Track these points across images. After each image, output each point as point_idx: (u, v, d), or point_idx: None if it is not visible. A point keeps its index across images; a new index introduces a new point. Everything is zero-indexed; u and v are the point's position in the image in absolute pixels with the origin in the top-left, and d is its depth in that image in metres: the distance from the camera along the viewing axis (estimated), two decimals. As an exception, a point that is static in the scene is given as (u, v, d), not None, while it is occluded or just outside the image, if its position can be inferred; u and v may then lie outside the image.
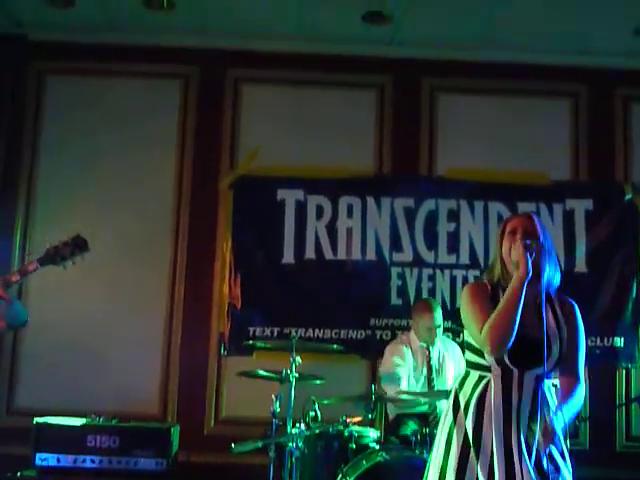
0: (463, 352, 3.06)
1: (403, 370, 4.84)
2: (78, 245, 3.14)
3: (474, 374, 2.82)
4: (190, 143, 6.01)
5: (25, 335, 5.75)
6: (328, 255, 5.87)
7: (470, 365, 2.87)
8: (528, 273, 2.70)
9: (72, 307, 5.71)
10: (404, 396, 4.63)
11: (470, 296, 2.86)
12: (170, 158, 5.98)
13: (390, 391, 4.74)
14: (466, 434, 2.73)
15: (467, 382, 2.83)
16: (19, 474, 4.74)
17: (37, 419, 4.85)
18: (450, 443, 2.76)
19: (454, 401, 2.84)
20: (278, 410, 4.29)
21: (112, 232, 5.74)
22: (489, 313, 2.73)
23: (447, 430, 2.80)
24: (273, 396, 4.31)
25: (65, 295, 5.70)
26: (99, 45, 5.99)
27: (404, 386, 4.79)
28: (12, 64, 6.00)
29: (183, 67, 6.08)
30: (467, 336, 2.90)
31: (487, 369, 2.78)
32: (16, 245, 5.82)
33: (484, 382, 2.77)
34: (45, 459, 4.74)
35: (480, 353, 2.79)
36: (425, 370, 4.89)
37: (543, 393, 2.74)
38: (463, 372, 2.91)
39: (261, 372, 4.61)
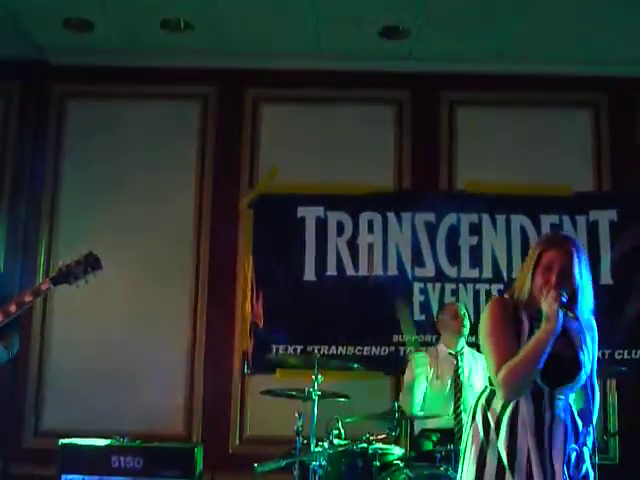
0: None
1: (417, 381, 4.85)
2: (90, 263, 3.10)
3: None
4: (209, 163, 6.05)
5: (50, 357, 5.81)
6: (350, 271, 5.85)
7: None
8: (557, 331, 2.60)
9: (96, 328, 5.75)
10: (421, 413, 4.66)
11: (492, 320, 2.72)
12: (190, 178, 6.02)
13: (404, 405, 4.72)
14: (499, 454, 2.64)
15: (495, 400, 2.71)
16: (45, 495, 4.77)
17: (62, 440, 4.87)
18: (483, 464, 2.66)
19: (483, 419, 2.72)
20: (302, 428, 4.25)
21: (134, 253, 5.79)
22: (510, 345, 2.63)
23: (477, 450, 2.69)
24: (297, 414, 4.28)
25: (88, 317, 5.75)
26: (118, 68, 6.06)
27: (418, 398, 4.78)
28: (34, 88, 6.09)
29: (201, 87, 6.13)
30: None
31: None
32: (40, 267, 5.87)
33: (514, 401, 2.66)
34: (70, 480, 4.75)
35: None
36: (452, 380, 4.85)
37: (572, 410, 2.69)
38: (488, 389, 2.79)
39: (284, 390, 4.59)
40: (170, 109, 6.10)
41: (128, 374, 5.68)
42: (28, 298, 3.07)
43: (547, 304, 2.62)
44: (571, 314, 2.61)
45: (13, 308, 3.03)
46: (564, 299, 2.61)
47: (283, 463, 4.21)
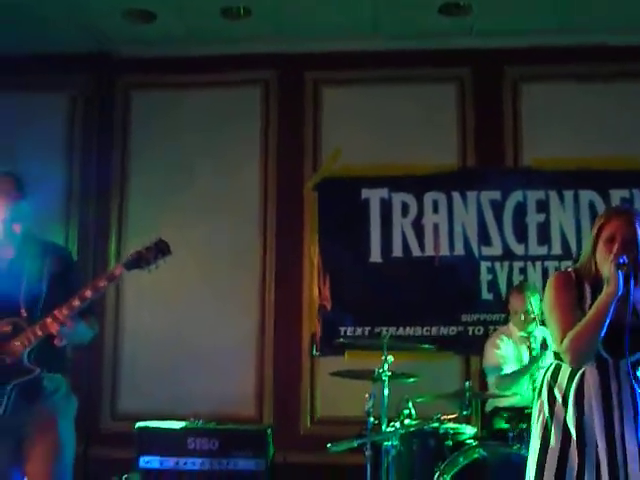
0: None
1: (504, 359, 4.79)
2: (161, 249, 3.15)
3: (566, 366, 2.75)
4: (273, 147, 6.08)
5: (124, 342, 5.95)
6: (416, 252, 5.83)
7: (560, 357, 2.78)
8: (618, 292, 2.62)
9: (166, 312, 5.86)
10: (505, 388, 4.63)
11: (555, 292, 2.78)
12: (254, 163, 6.06)
13: (496, 385, 4.71)
14: (565, 428, 2.66)
15: (561, 374, 2.76)
16: (125, 476, 4.92)
17: (139, 423, 4.99)
18: (548, 438, 2.70)
19: (549, 395, 2.76)
20: (372, 409, 4.27)
21: (201, 238, 5.87)
22: (573, 314, 2.68)
23: (544, 425, 2.73)
24: (367, 395, 4.30)
25: (159, 300, 5.87)
26: (180, 57, 6.13)
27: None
28: (98, 81, 6.21)
29: (262, 73, 6.16)
30: None
31: None
32: (111, 252, 6.01)
33: (579, 374, 2.70)
34: (149, 462, 4.86)
35: None
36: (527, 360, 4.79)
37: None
38: (553, 364, 2.83)
39: (354, 372, 4.62)
40: (232, 95, 6.14)
41: (199, 357, 5.76)
42: (102, 283, 3.13)
43: (607, 267, 2.66)
44: (624, 268, 2.62)
45: (88, 293, 3.09)
46: (621, 260, 2.62)
47: (356, 443, 4.24)
